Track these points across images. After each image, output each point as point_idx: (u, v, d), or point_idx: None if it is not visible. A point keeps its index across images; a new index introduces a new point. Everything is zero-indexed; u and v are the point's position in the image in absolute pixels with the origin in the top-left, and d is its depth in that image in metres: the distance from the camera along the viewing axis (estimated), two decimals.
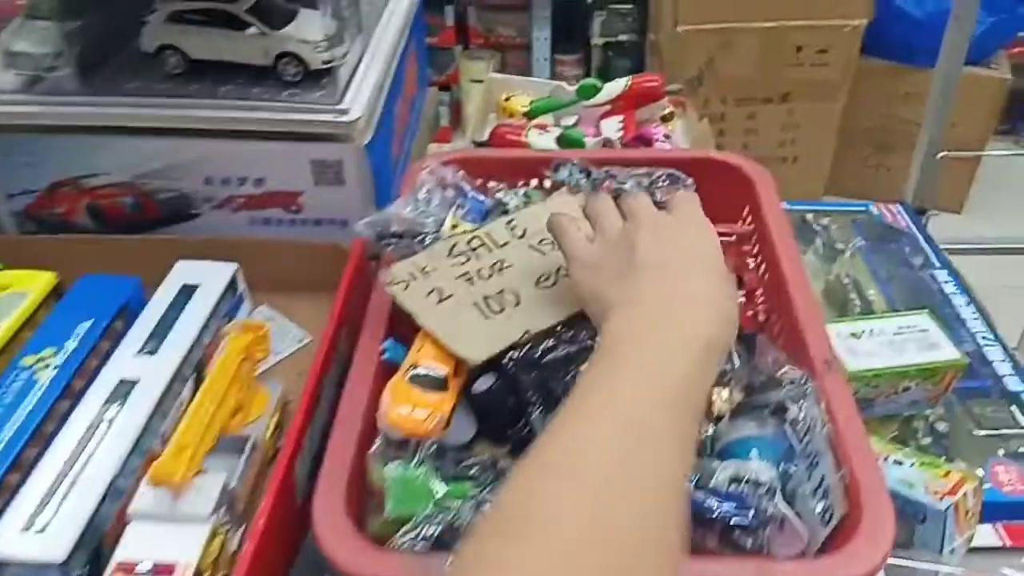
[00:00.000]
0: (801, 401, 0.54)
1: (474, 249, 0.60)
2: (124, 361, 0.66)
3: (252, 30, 0.76)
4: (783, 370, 0.56)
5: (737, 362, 0.57)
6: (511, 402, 0.54)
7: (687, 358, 0.42)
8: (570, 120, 1.05)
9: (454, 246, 0.60)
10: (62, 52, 0.78)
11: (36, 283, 0.72)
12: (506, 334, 0.53)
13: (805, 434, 0.54)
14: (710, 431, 0.52)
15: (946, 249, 1.07)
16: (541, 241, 0.59)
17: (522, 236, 0.60)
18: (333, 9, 0.77)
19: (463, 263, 0.58)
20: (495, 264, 0.58)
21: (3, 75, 0.80)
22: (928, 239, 1.08)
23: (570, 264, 0.52)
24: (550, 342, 0.54)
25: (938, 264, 1.03)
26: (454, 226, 0.65)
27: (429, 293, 0.57)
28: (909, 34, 2.10)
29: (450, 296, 0.56)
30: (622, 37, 2.49)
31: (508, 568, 0.31)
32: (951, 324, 0.92)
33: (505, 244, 0.60)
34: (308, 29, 0.76)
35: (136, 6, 0.78)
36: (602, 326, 0.46)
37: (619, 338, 0.44)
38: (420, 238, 0.64)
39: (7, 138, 0.80)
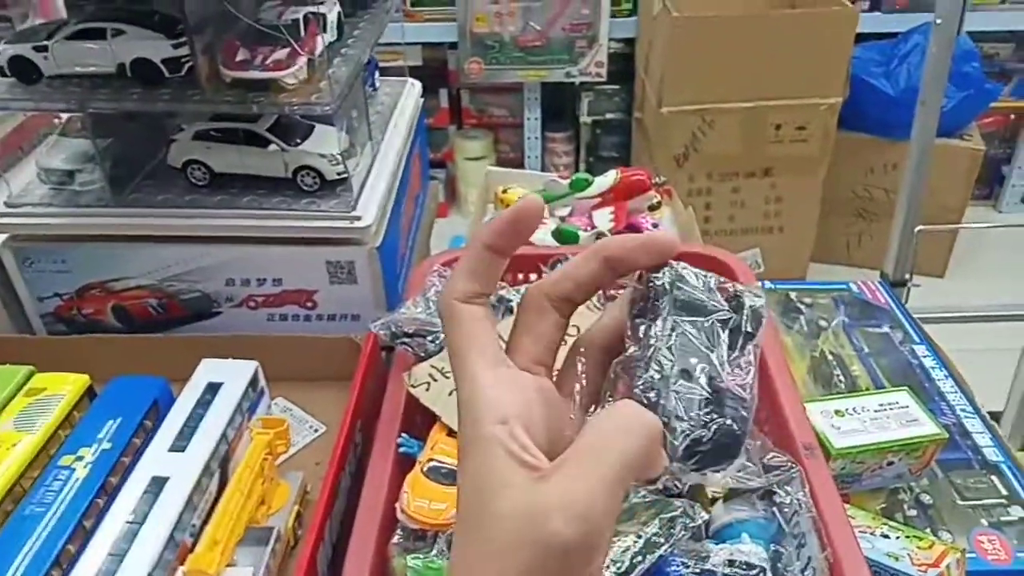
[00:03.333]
0: (787, 487, 0.59)
1: None
2: (155, 458, 0.70)
3: (272, 147, 0.82)
4: (769, 455, 0.61)
5: None
6: None
7: None
8: (564, 211, 1.11)
9: None
10: (93, 167, 0.84)
11: (69, 385, 0.77)
12: None
13: (792, 516, 0.59)
14: (705, 517, 0.57)
15: (929, 318, 1.12)
16: None
17: None
18: (346, 124, 0.84)
19: None
20: None
21: (39, 189, 0.87)
22: (907, 315, 1.13)
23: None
24: None
25: (918, 340, 1.08)
26: None
27: (451, 393, 0.62)
28: (884, 109, 2.19)
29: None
30: (609, 116, 2.59)
31: None
32: (932, 397, 0.97)
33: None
34: (324, 144, 0.83)
35: (163, 125, 0.85)
36: None
37: None
38: (431, 337, 0.69)
39: (41, 247, 0.86)
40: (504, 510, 0.28)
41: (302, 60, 0.75)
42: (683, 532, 0.54)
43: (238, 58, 0.75)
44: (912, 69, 2.19)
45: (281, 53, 0.74)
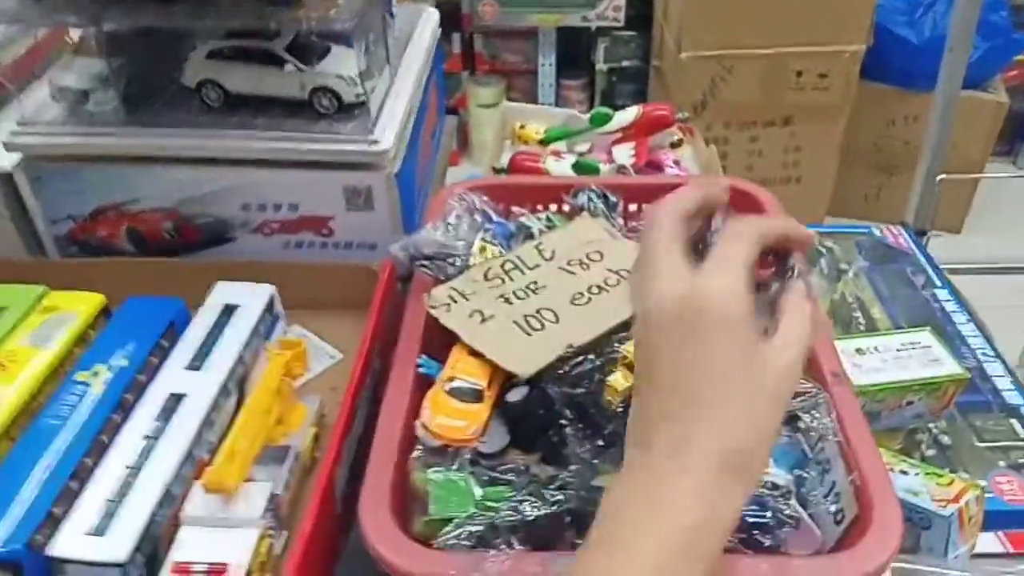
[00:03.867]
0: (813, 411, 0.58)
1: (507, 272, 0.64)
2: (172, 376, 0.70)
3: (289, 67, 0.80)
4: None
5: None
6: (542, 413, 0.58)
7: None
8: (583, 147, 1.09)
9: (488, 270, 0.64)
10: (107, 86, 0.83)
11: (84, 304, 0.76)
12: (551, 348, 0.57)
13: (817, 442, 0.58)
14: None
15: (946, 269, 1.11)
16: (569, 262, 0.64)
17: (551, 258, 0.65)
18: (364, 46, 0.81)
19: (499, 285, 0.63)
20: (529, 285, 0.62)
21: (52, 108, 0.85)
22: (929, 259, 1.12)
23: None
24: (578, 357, 0.58)
25: (939, 284, 1.07)
26: (482, 249, 0.69)
27: (471, 315, 0.61)
28: (908, 59, 2.15)
29: (492, 316, 0.60)
30: (626, 63, 2.54)
31: None
32: (952, 341, 0.96)
33: (536, 266, 0.64)
34: (342, 65, 0.81)
35: (178, 44, 0.83)
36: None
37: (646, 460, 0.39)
38: (451, 260, 0.68)
39: (54, 167, 0.85)
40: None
41: None
42: None
43: None
44: (938, 18, 2.14)
45: None
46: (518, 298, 0.61)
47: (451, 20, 2.52)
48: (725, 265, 0.39)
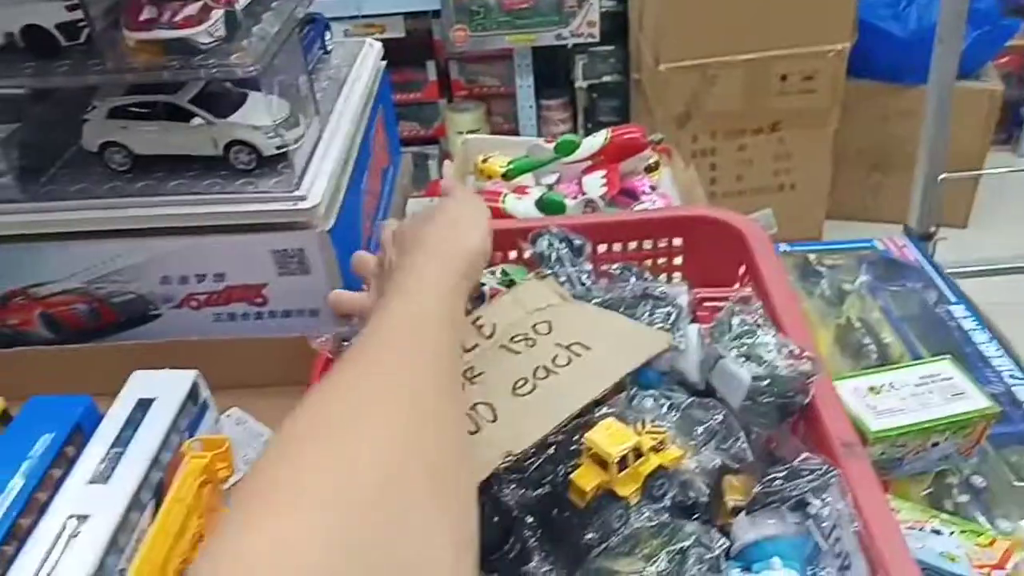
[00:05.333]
0: (823, 494, 0.47)
1: None
2: (75, 493, 0.60)
3: (197, 120, 0.71)
4: (801, 457, 0.50)
5: (749, 451, 0.51)
6: (496, 522, 0.48)
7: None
8: (551, 178, 1.00)
9: None
10: (0, 158, 0.74)
11: None
12: (485, 459, 0.47)
13: (832, 531, 0.48)
14: (724, 543, 0.46)
15: (956, 273, 1.02)
16: (513, 339, 0.53)
17: (491, 335, 0.55)
18: (284, 91, 0.72)
19: None
20: (466, 372, 0.52)
21: None
22: (939, 272, 1.02)
23: None
24: (531, 448, 0.48)
25: (953, 299, 0.97)
26: None
27: None
28: (894, 53, 2.08)
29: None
30: (606, 78, 2.48)
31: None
32: (975, 364, 0.86)
33: (475, 347, 0.54)
34: (257, 114, 0.72)
35: (74, 104, 0.74)
36: None
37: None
38: None
39: None
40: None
41: (217, 14, 0.63)
42: (698, 566, 0.43)
43: (142, 17, 0.63)
44: (922, 9, 2.07)
45: (192, 7, 0.63)
46: None
47: (424, 48, 2.45)
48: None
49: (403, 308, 0.48)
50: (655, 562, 0.43)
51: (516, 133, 2.57)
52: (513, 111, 2.56)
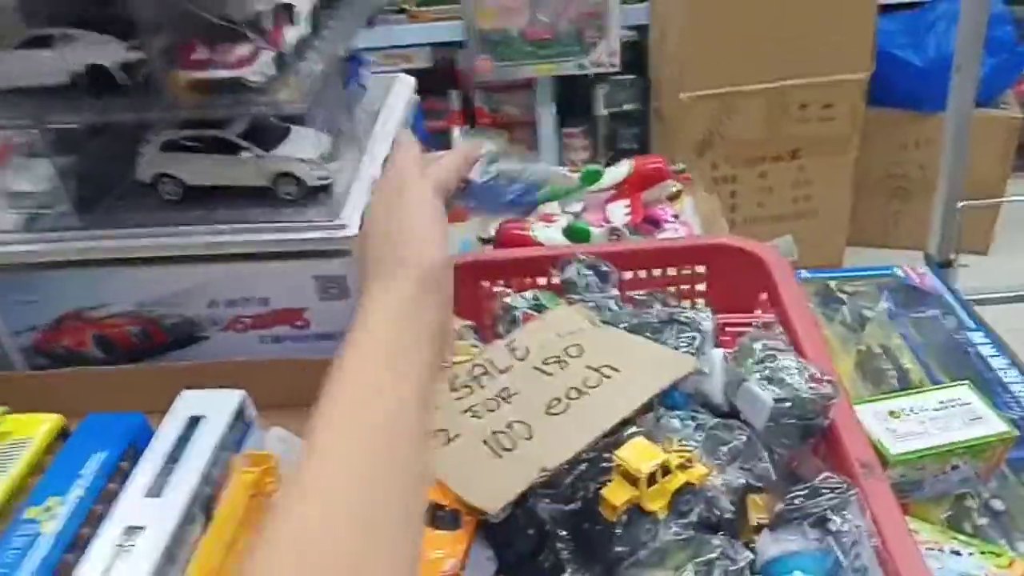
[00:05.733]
0: (843, 512, 0.50)
1: (476, 378, 0.57)
2: (130, 506, 0.63)
3: (246, 154, 0.75)
4: (821, 476, 0.52)
5: (772, 470, 0.54)
6: (531, 534, 0.50)
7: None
8: (576, 206, 1.03)
9: (456, 378, 0.58)
10: (59, 188, 0.78)
11: (40, 428, 0.70)
12: (521, 475, 0.50)
13: (851, 547, 0.50)
14: (749, 556, 0.48)
15: (976, 299, 1.04)
16: (545, 361, 0.56)
17: (524, 358, 0.58)
18: (326, 125, 0.76)
19: (468, 395, 0.56)
20: (500, 393, 0.55)
21: (3, 215, 0.80)
22: (958, 299, 1.04)
23: None
24: (565, 464, 0.51)
25: (973, 326, 0.99)
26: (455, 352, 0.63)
27: (436, 434, 0.54)
28: (914, 82, 2.10)
29: (457, 436, 0.53)
30: (626, 107, 2.50)
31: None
32: (994, 390, 0.88)
33: (509, 368, 0.57)
34: (302, 148, 0.76)
35: (129, 138, 0.78)
36: None
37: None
38: None
39: (10, 276, 0.80)
40: None
41: (267, 55, 0.68)
42: None
43: (196, 57, 0.67)
44: (941, 38, 2.09)
45: (244, 49, 0.67)
46: (488, 410, 0.54)
47: (448, 78, 2.50)
48: (399, 164, 0.55)
49: (358, 358, 0.46)
50: (683, 573, 0.45)
51: (538, 160, 2.61)
52: (535, 139, 2.60)
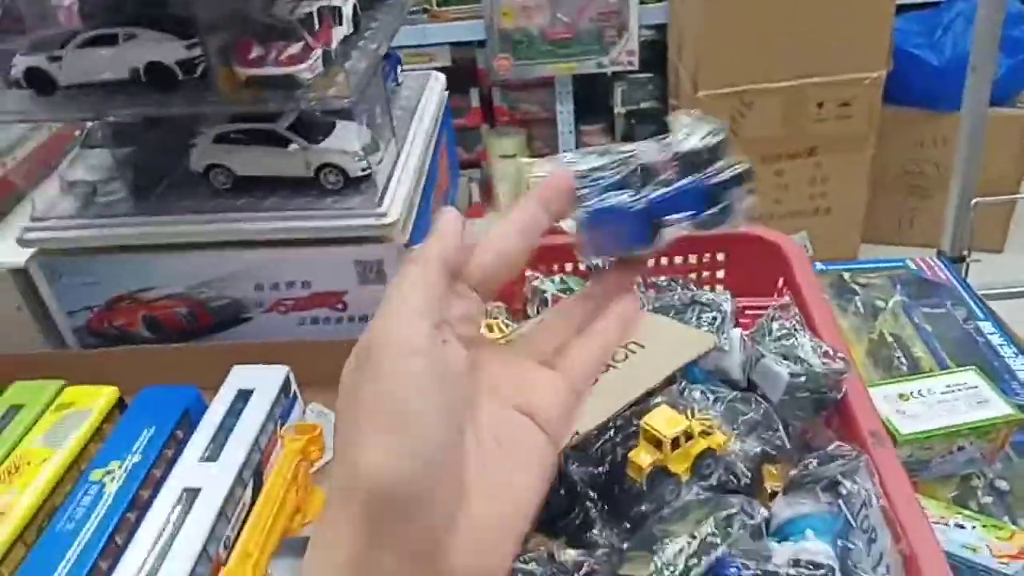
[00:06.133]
0: (854, 476, 0.54)
1: None
2: (187, 469, 0.68)
3: (293, 146, 0.80)
4: (833, 445, 0.56)
5: (786, 441, 0.58)
6: (563, 494, 0.55)
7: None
8: None
9: None
10: (116, 177, 0.83)
11: (99, 399, 0.75)
12: None
13: (860, 509, 0.54)
14: (765, 513, 0.52)
15: (990, 294, 1.06)
16: None
17: None
18: (368, 119, 0.81)
19: None
20: None
21: (63, 202, 0.86)
22: (969, 290, 1.07)
23: None
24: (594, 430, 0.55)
25: (982, 316, 1.02)
26: (489, 328, 0.67)
27: None
28: (930, 81, 2.11)
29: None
30: (644, 105, 2.54)
31: None
32: (1001, 376, 0.91)
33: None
34: (346, 140, 0.80)
35: (183, 130, 0.83)
36: None
37: None
38: None
39: (68, 260, 0.85)
40: None
41: (317, 53, 0.72)
42: (741, 531, 0.49)
43: (252, 55, 0.72)
44: (957, 38, 2.11)
45: (295, 47, 0.72)
46: None
47: (468, 76, 2.54)
48: (392, 298, 0.33)
49: None
50: (703, 527, 0.49)
51: None
52: (553, 136, 2.63)
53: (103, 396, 0.76)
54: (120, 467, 0.68)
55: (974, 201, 1.46)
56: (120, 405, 0.77)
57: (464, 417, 0.33)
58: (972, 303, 1.05)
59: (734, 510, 0.50)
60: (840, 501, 0.54)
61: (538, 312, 0.72)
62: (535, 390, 0.37)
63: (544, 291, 0.74)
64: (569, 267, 0.80)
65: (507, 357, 0.38)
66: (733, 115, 2.06)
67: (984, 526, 0.71)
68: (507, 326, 0.70)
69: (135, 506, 0.66)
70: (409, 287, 0.33)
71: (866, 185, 2.17)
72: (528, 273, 0.77)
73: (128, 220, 0.83)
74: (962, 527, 0.71)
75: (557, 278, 0.75)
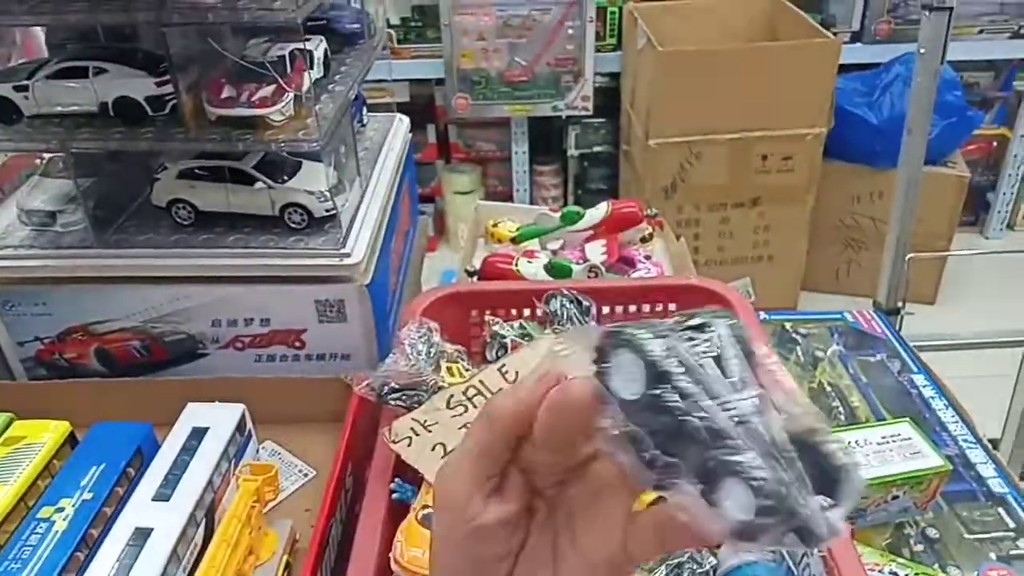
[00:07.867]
0: None
1: (470, 398, 0.63)
2: (139, 508, 0.67)
3: (259, 184, 0.81)
4: None
5: None
6: None
7: None
8: (555, 244, 1.10)
9: (451, 397, 0.63)
10: (75, 207, 0.82)
11: (49, 433, 0.74)
12: None
13: (802, 558, 0.56)
14: (713, 562, 0.54)
15: (923, 346, 1.12)
16: None
17: (514, 381, 0.64)
18: (334, 160, 0.82)
19: (462, 413, 0.62)
20: None
21: (20, 231, 0.85)
22: (903, 344, 1.12)
23: None
24: None
25: (915, 369, 1.07)
26: (449, 370, 0.69)
27: (433, 448, 0.60)
28: (868, 138, 2.21)
29: (453, 450, 0.59)
30: (597, 148, 2.60)
31: None
32: (933, 428, 0.96)
33: (500, 391, 0.63)
34: (312, 181, 0.82)
35: (147, 164, 0.83)
36: None
37: None
38: (422, 389, 0.67)
39: (21, 289, 0.84)
40: None
41: (288, 96, 0.74)
42: None
43: (223, 95, 0.73)
44: (895, 98, 2.21)
45: (267, 90, 0.73)
46: None
47: (425, 112, 2.57)
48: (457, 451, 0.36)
49: None
50: (656, 572, 0.51)
51: (510, 196, 2.68)
52: (508, 175, 2.67)
53: (54, 430, 0.75)
54: (70, 504, 0.67)
55: (909, 256, 1.53)
56: (71, 440, 0.76)
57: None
58: (906, 356, 1.10)
59: (684, 558, 0.52)
60: (783, 550, 0.57)
61: (497, 357, 0.74)
62: None
63: (503, 336, 0.76)
64: (528, 312, 0.82)
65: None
66: (682, 163, 2.12)
67: (916, 574, 0.75)
68: (467, 371, 0.71)
69: (85, 545, 0.65)
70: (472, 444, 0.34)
71: (806, 235, 2.25)
72: (488, 318, 0.79)
73: (86, 252, 0.82)
74: (896, 575, 0.74)
75: (516, 324, 0.77)
